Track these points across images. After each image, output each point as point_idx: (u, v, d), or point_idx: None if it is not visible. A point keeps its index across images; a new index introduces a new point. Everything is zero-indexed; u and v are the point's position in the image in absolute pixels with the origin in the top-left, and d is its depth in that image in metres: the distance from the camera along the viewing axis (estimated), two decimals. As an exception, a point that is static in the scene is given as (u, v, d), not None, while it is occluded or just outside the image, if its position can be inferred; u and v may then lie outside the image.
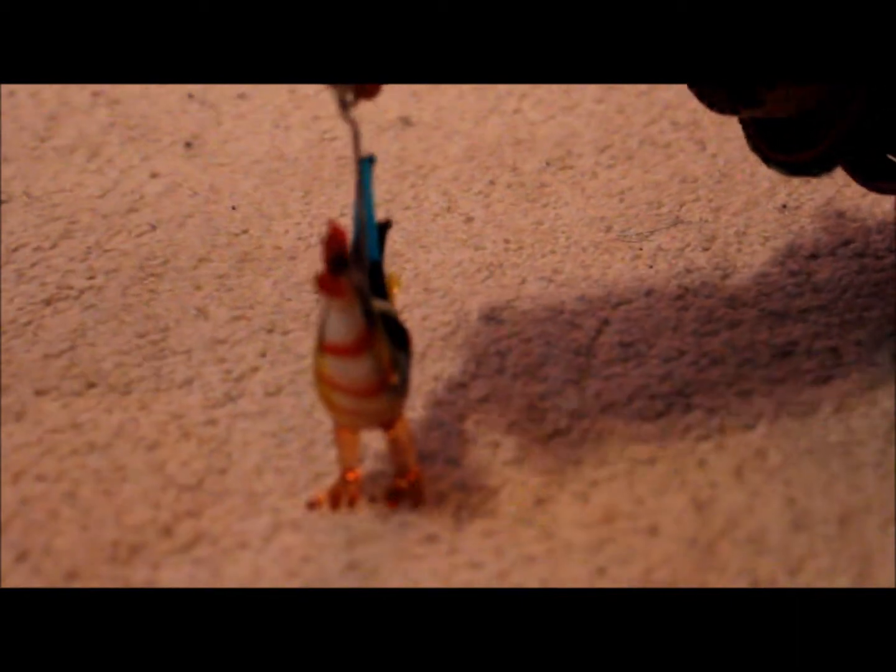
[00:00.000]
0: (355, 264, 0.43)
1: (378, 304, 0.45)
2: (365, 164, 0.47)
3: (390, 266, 0.57)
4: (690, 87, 0.52)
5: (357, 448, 0.46)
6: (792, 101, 0.48)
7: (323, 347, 0.43)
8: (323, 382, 0.43)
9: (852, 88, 0.48)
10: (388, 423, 0.45)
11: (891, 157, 0.51)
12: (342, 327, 0.42)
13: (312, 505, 0.45)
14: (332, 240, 0.41)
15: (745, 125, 0.54)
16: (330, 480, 0.46)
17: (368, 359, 0.42)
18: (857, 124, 0.48)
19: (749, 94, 0.49)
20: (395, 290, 0.48)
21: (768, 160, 0.53)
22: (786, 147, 0.52)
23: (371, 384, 0.43)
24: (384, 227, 0.48)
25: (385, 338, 0.43)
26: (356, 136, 0.45)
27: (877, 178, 0.52)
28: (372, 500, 0.45)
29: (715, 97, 0.51)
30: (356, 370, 0.42)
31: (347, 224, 0.44)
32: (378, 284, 0.46)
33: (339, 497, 0.45)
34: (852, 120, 0.48)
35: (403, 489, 0.45)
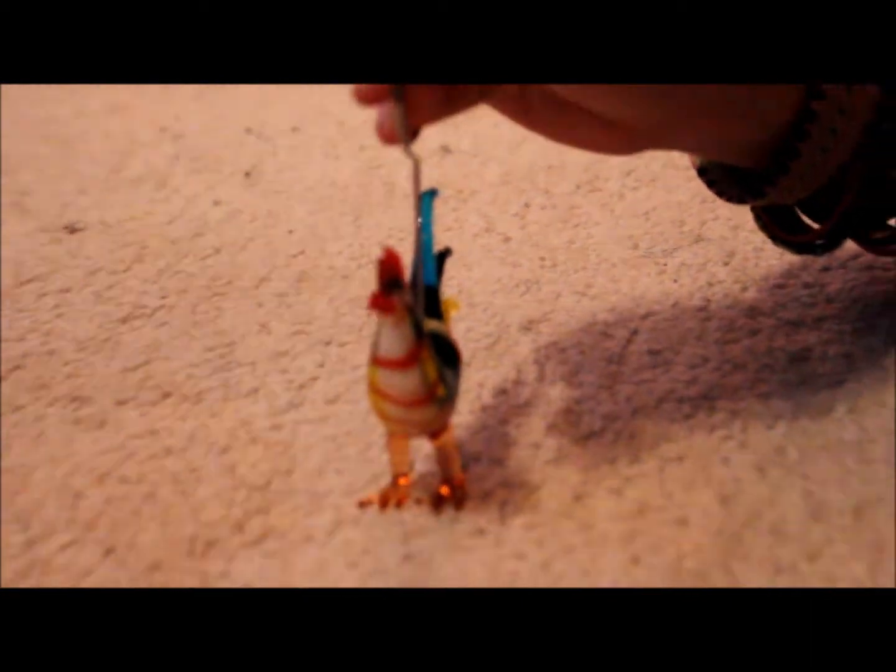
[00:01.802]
0: (412, 287, 0.44)
1: (432, 324, 0.45)
2: (427, 197, 0.47)
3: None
4: (700, 176, 0.52)
5: (407, 454, 0.46)
6: (791, 194, 0.49)
7: (375, 361, 0.43)
8: (375, 393, 0.44)
9: (845, 183, 0.48)
10: (434, 432, 0.45)
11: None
12: (393, 343, 0.42)
13: (363, 504, 0.46)
14: (386, 263, 0.42)
15: (753, 208, 0.54)
16: (385, 480, 0.47)
17: (416, 372, 0.42)
18: (847, 216, 0.49)
19: (755, 190, 0.49)
20: (453, 313, 0.49)
21: (775, 238, 0.53)
22: (790, 228, 0.52)
23: (418, 396, 0.43)
24: (443, 255, 0.49)
25: (433, 354, 0.43)
26: (417, 170, 0.45)
27: (884, 243, 0.52)
28: (418, 502, 0.46)
29: (725, 191, 0.52)
30: (405, 382, 0.43)
31: (403, 249, 0.45)
32: (434, 306, 0.47)
33: (389, 499, 0.46)
34: (842, 212, 0.49)
35: (447, 495, 0.46)
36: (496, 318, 0.57)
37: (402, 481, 0.46)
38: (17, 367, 0.55)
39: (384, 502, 0.46)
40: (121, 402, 0.53)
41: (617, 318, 0.56)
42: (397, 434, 0.45)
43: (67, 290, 0.62)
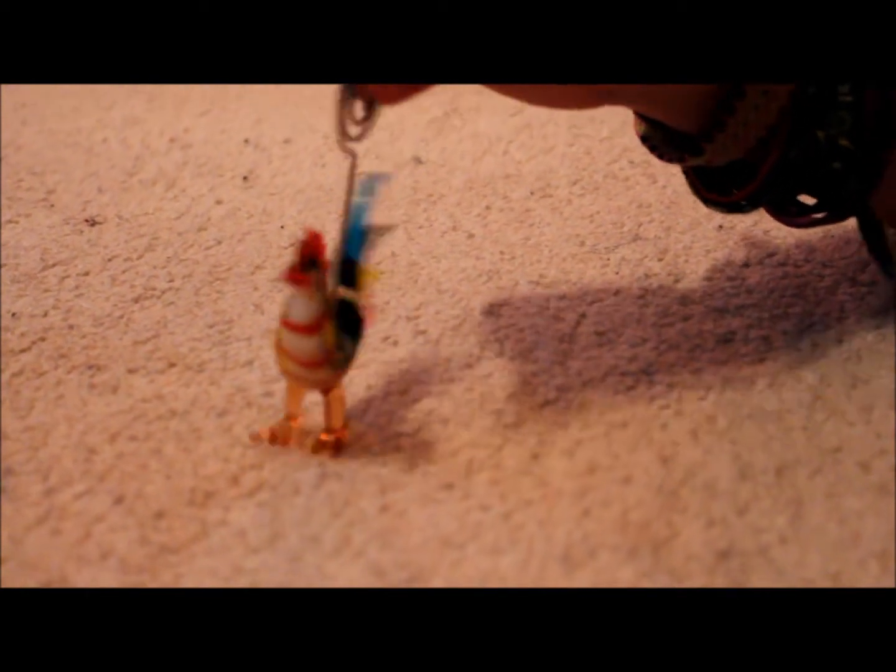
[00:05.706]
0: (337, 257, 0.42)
1: (343, 292, 0.43)
2: (372, 183, 0.45)
3: (408, 272, 0.56)
4: (643, 143, 0.50)
5: (301, 400, 0.44)
6: (725, 152, 0.46)
7: (283, 322, 0.41)
8: (278, 350, 0.42)
9: (770, 145, 0.45)
10: (326, 389, 0.43)
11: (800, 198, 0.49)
12: (301, 311, 0.40)
13: (254, 438, 0.44)
14: (308, 243, 0.40)
15: (686, 174, 0.51)
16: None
17: (317, 339, 0.41)
18: (775, 172, 0.46)
19: (693, 147, 0.47)
20: (372, 281, 0.45)
21: (706, 200, 0.50)
22: (719, 190, 0.49)
23: (316, 359, 0.41)
24: (370, 231, 0.45)
25: (334, 325, 0.41)
26: (353, 165, 0.43)
27: (794, 215, 0.49)
28: (300, 445, 0.44)
29: (666, 153, 0.49)
30: (305, 346, 0.41)
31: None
32: (349, 276, 0.44)
33: (277, 436, 0.44)
34: (771, 168, 0.46)
35: (326, 440, 0.43)
36: (462, 302, 0.54)
37: (293, 423, 0.44)
38: (40, 339, 0.52)
39: (273, 438, 0.44)
40: (132, 371, 0.50)
41: (567, 304, 0.53)
42: (294, 386, 0.43)
43: (87, 274, 0.58)
